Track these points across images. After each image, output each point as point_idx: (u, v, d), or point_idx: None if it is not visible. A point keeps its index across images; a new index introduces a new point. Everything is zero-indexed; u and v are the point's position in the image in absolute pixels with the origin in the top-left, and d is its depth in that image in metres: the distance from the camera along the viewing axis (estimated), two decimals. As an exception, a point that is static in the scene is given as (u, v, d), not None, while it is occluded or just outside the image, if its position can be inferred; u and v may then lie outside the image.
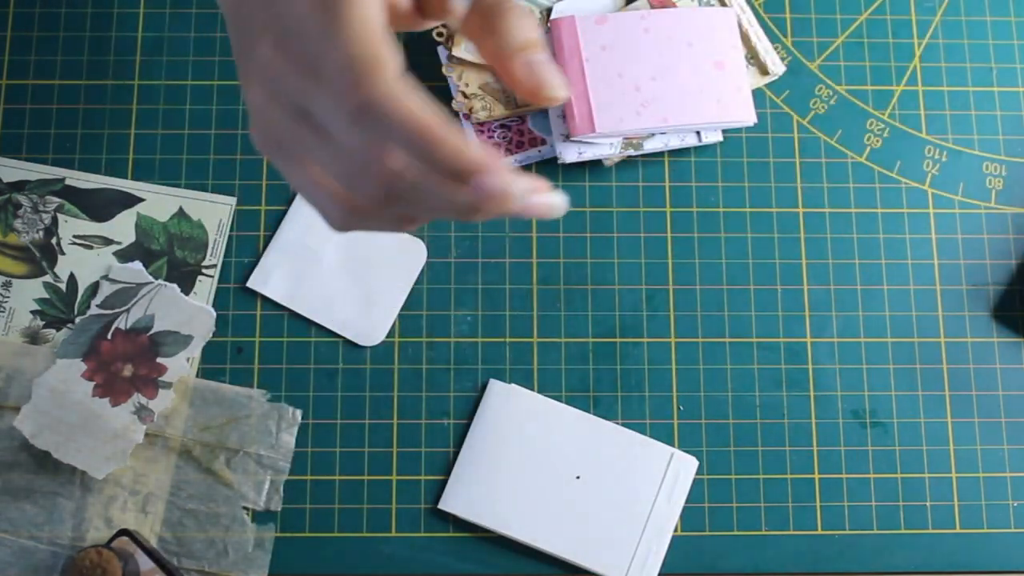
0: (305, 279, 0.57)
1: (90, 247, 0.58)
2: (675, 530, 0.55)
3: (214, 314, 0.57)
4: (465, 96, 0.58)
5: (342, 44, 0.38)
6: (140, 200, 0.58)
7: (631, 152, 0.58)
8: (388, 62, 0.37)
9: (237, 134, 0.59)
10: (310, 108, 0.39)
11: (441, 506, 0.55)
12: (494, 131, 0.59)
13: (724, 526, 0.56)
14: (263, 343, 0.57)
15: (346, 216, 0.41)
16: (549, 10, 0.59)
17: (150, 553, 0.52)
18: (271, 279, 0.57)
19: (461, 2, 0.42)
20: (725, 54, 0.58)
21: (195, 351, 0.56)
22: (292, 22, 0.39)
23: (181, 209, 0.58)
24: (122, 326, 0.56)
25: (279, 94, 0.40)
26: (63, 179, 0.58)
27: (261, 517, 0.55)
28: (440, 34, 0.60)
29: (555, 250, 0.58)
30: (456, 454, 0.56)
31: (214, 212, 0.58)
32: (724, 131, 0.60)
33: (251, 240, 0.58)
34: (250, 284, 0.57)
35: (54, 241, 0.58)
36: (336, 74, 0.38)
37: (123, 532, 0.52)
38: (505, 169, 0.36)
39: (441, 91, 0.59)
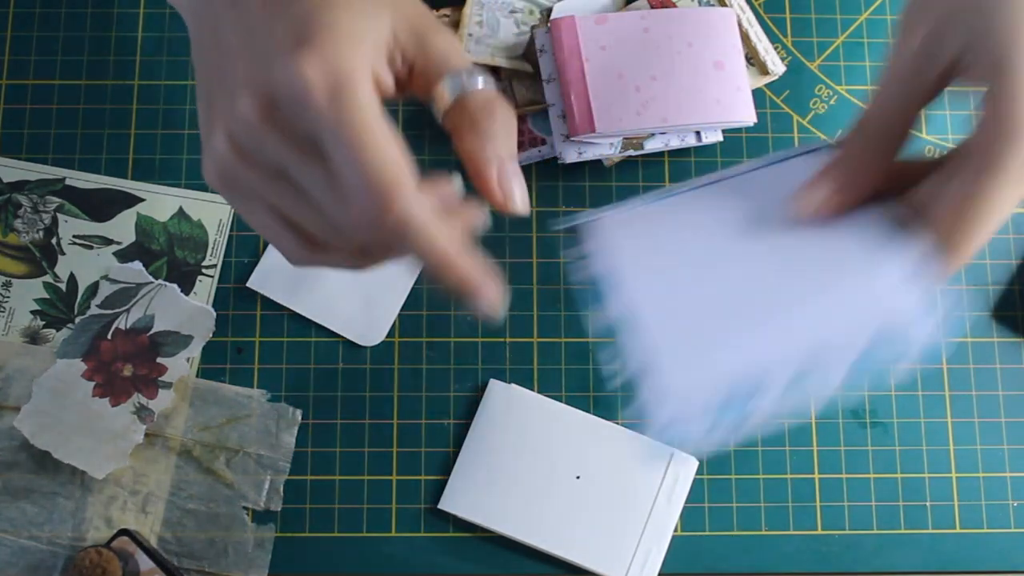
0: (305, 279, 0.57)
1: (90, 247, 0.58)
2: (675, 530, 0.55)
3: (214, 314, 0.57)
4: (465, 96, 0.58)
5: (358, 159, 0.40)
6: (140, 200, 0.58)
7: (631, 152, 0.58)
8: (406, 184, 0.40)
9: (237, 134, 0.59)
10: (293, 175, 0.41)
11: (441, 506, 0.55)
12: (494, 131, 0.59)
13: (724, 526, 0.56)
14: (263, 343, 0.57)
15: (308, 257, 0.43)
16: (549, 10, 0.59)
17: (150, 553, 0.52)
18: (271, 279, 0.57)
19: (448, 92, 0.44)
20: (725, 54, 0.58)
21: (195, 351, 0.56)
22: (286, 93, 0.40)
23: (181, 209, 0.58)
24: (122, 326, 0.56)
25: (254, 152, 0.41)
26: (63, 179, 0.58)
27: (261, 517, 0.55)
28: (440, 34, 0.60)
29: (555, 250, 0.58)
30: (456, 454, 0.56)
31: (214, 212, 0.58)
32: (724, 131, 0.59)
33: (251, 240, 0.58)
34: (250, 284, 0.57)
35: (54, 241, 0.58)
36: (352, 189, 0.40)
37: (123, 532, 0.52)
38: (495, 290, 0.41)
39: (441, 91, 0.59)
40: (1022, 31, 0.44)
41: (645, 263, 0.47)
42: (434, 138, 0.59)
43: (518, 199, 0.44)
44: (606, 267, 0.47)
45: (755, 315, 0.44)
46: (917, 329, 0.42)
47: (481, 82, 0.44)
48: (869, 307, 0.43)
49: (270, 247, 0.58)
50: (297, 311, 0.57)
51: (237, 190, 0.42)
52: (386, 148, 0.40)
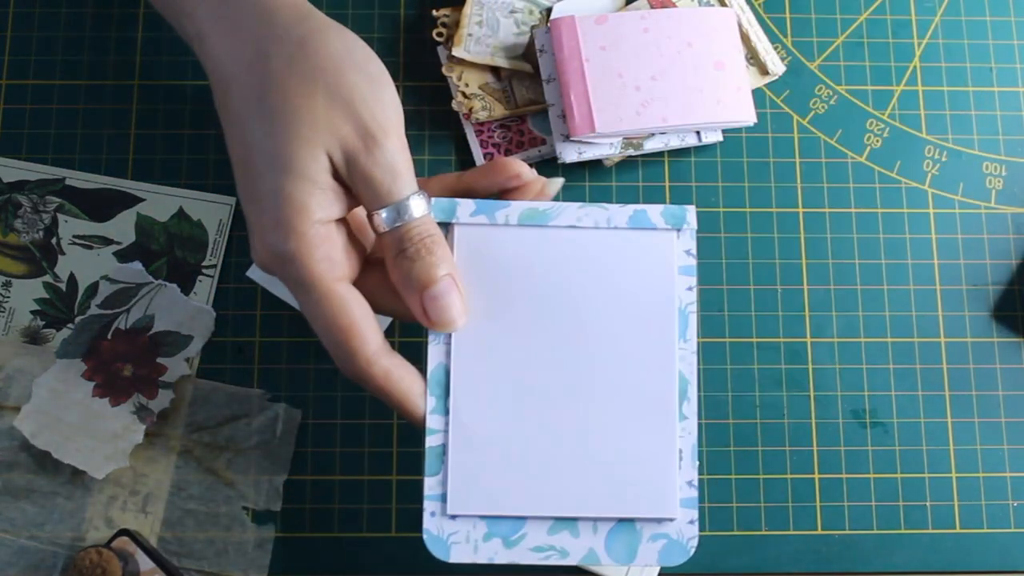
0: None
1: (90, 247, 0.58)
2: (675, 530, 0.55)
3: (214, 314, 0.57)
4: (465, 96, 0.58)
5: (321, 329, 0.46)
6: (140, 200, 0.58)
7: (631, 152, 0.58)
8: (360, 349, 0.45)
9: (237, 134, 0.59)
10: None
11: (441, 506, 0.55)
12: (494, 131, 0.59)
13: (724, 526, 0.56)
14: (263, 343, 0.57)
15: None
16: (549, 10, 0.59)
17: (150, 553, 0.52)
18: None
19: (383, 224, 0.46)
20: (725, 54, 0.58)
21: (195, 351, 0.56)
22: (275, 267, 0.46)
23: (181, 209, 0.58)
24: (122, 326, 0.56)
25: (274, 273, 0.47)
26: (63, 179, 0.58)
27: (261, 517, 0.55)
28: (440, 34, 0.60)
29: (555, 250, 0.58)
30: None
31: (214, 212, 0.58)
32: (724, 131, 0.60)
33: (251, 240, 0.58)
34: (249, 273, 0.57)
35: (54, 241, 0.58)
36: (324, 342, 0.46)
37: (123, 532, 0.52)
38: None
39: (441, 91, 0.59)
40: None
41: (481, 307, 0.49)
42: (434, 138, 0.59)
43: (448, 323, 0.47)
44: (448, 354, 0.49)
45: (545, 461, 0.48)
46: (657, 537, 0.48)
47: (414, 212, 0.46)
48: (626, 501, 0.48)
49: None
50: (297, 308, 0.57)
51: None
52: (339, 316, 0.45)
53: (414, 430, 0.56)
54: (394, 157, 0.46)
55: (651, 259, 0.50)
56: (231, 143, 0.48)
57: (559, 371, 0.49)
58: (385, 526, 0.55)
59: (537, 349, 0.49)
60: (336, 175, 0.46)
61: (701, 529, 0.55)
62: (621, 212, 0.50)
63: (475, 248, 0.49)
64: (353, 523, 0.55)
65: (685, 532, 0.47)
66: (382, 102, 0.46)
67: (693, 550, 0.47)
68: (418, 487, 0.56)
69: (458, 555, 0.47)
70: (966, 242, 0.59)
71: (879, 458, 0.57)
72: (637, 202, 0.59)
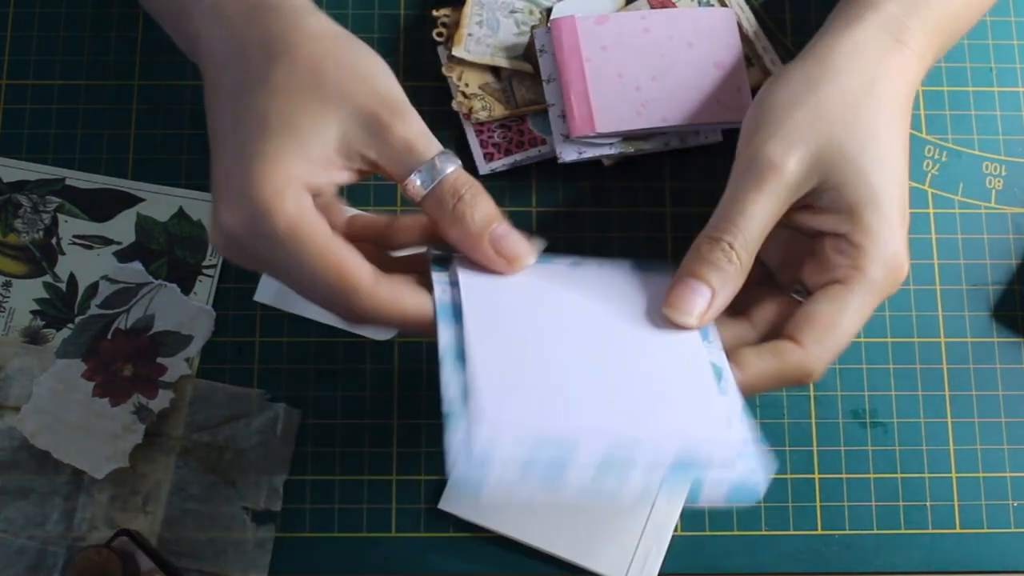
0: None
1: (90, 247, 0.58)
2: (675, 530, 0.55)
3: (214, 314, 0.57)
4: (465, 96, 0.58)
5: (314, 277, 0.44)
6: (140, 200, 0.58)
7: (631, 152, 0.58)
8: (359, 281, 0.43)
9: (237, 134, 0.59)
10: (276, 274, 0.46)
11: (441, 506, 0.55)
12: (494, 131, 0.59)
13: (724, 526, 0.56)
14: (263, 343, 0.57)
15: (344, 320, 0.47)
16: (549, 10, 0.59)
17: (150, 553, 0.52)
18: (275, 288, 0.57)
19: (421, 185, 0.45)
20: (725, 54, 0.58)
21: (195, 351, 0.56)
22: (245, 232, 0.44)
23: (181, 209, 0.58)
24: (122, 326, 0.56)
25: (244, 254, 0.45)
26: (63, 179, 0.58)
27: (261, 517, 0.55)
28: (440, 34, 0.60)
29: (556, 250, 0.58)
30: (456, 454, 0.56)
31: (214, 212, 0.58)
32: (724, 131, 0.59)
33: (251, 240, 0.58)
34: (256, 298, 0.57)
35: (54, 241, 0.58)
36: (319, 295, 0.44)
37: (123, 532, 0.52)
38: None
39: (441, 91, 0.59)
40: (882, 179, 0.46)
41: (493, 299, 0.47)
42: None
43: (523, 256, 0.46)
44: (458, 293, 0.47)
45: (583, 382, 0.45)
46: (724, 467, 0.44)
47: (449, 166, 0.45)
48: (682, 426, 0.44)
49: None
50: (300, 314, 0.57)
51: (240, 263, 0.47)
52: (324, 256, 0.43)
53: (414, 431, 0.56)
54: (421, 122, 0.46)
55: (662, 280, 0.49)
56: (216, 120, 0.46)
57: (589, 356, 0.46)
58: (385, 526, 0.55)
59: (562, 336, 0.47)
60: (340, 149, 0.45)
61: (701, 529, 0.56)
62: (623, 264, 0.51)
63: (483, 288, 0.47)
64: (353, 523, 0.55)
65: (751, 473, 0.44)
66: (396, 81, 0.47)
67: (762, 492, 0.43)
68: (418, 487, 0.56)
69: (492, 488, 0.42)
70: (966, 242, 0.59)
71: (879, 458, 0.57)
72: (636, 202, 0.59)
